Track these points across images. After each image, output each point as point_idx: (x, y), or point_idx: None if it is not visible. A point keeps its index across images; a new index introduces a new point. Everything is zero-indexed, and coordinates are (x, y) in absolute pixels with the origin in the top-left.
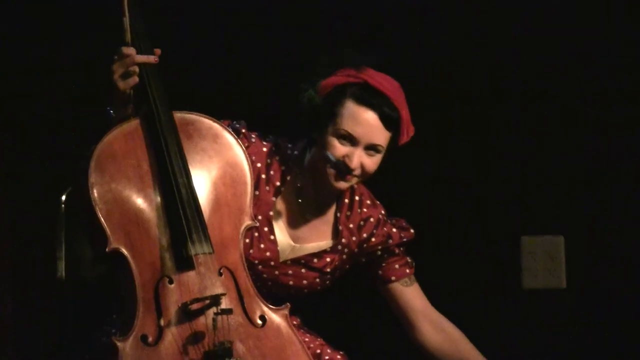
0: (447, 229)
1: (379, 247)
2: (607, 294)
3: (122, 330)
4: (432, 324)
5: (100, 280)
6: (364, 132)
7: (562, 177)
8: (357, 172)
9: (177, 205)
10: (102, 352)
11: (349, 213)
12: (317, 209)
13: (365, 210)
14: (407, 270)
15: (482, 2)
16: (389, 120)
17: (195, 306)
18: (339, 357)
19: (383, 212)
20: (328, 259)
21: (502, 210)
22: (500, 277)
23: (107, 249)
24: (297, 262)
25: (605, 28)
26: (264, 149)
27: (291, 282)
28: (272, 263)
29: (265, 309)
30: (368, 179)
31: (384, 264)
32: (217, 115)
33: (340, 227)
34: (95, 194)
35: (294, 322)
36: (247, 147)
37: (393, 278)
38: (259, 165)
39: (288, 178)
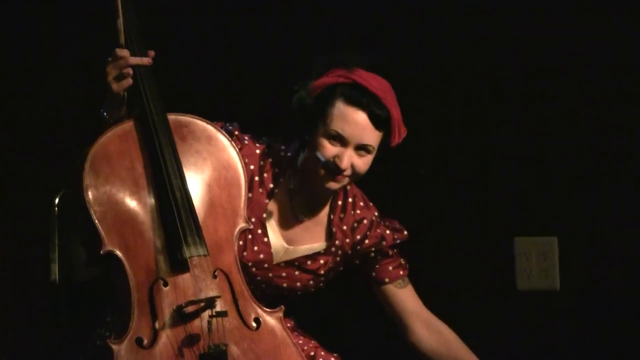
0: (441, 230)
1: (373, 249)
2: (601, 295)
3: (117, 333)
4: (425, 325)
5: (95, 282)
6: (353, 132)
7: (556, 178)
8: (348, 172)
9: (172, 207)
10: (97, 355)
11: (342, 215)
12: (310, 210)
13: (358, 211)
14: (401, 272)
15: (482, 2)
16: (379, 120)
17: (190, 309)
18: (332, 359)
19: (376, 213)
20: (322, 261)
21: (496, 211)
22: (494, 278)
23: (101, 251)
24: (290, 264)
25: (604, 28)
26: (257, 151)
27: (285, 284)
28: (266, 265)
29: (260, 311)
30: (360, 180)
31: (377, 266)
32: (211, 117)
33: (334, 229)
34: (90, 196)
35: (288, 325)
36: (240, 149)
37: (387, 280)
38: (252, 167)
39: (281, 180)
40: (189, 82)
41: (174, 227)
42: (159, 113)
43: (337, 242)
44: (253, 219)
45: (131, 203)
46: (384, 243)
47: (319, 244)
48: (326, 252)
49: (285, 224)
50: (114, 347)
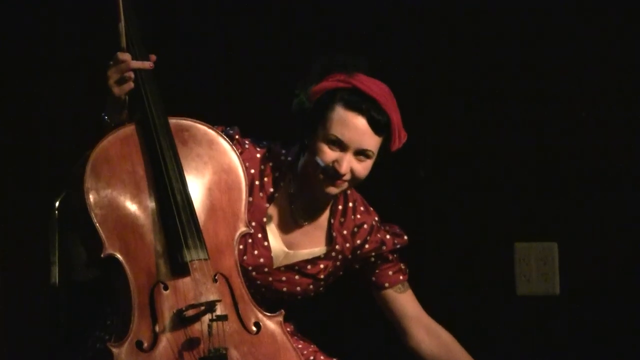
0: (441, 235)
1: (373, 254)
2: (601, 301)
3: (117, 336)
4: (425, 330)
5: (94, 285)
6: (352, 137)
7: (556, 184)
8: (347, 177)
9: (173, 210)
10: (96, 357)
11: (342, 219)
12: (311, 215)
13: (358, 216)
14: (401, 277)
15: (481, 2)
16: (378, 125)
17: (190, 312)
18: None
19: (377, 218)
20: (322, 266)
21: (496, 216)
22: (494, 283)
23: (102, 255)
24: (290, 268)
25: (604, 28)
26: (258, 155)
27: (285, 289)
28: (266, 269)
29: (260, 315)
30: (360, 185)
31: (377, 271)
32: (211, 121)
33: (334, 234)
34: (91, 199)
35: (288, 329)
36: (240, 153)
37: (386, 284)
38: (252, 171)
39: (281, 184)
40: (190, 86)
41: (174, 231)
42: (160, 117)
43: (337, 246)
44: (253, 223)
45: (132, 206)
46: (384, 248)
47: (319, 249)
48: (326, 256)
49: (286, 228)
50: (114, 350)
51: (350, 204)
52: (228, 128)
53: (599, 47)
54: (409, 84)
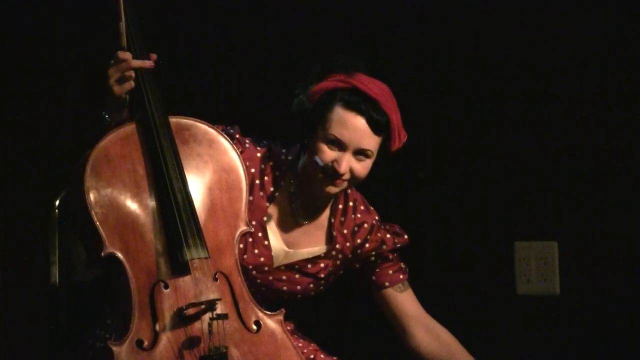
0: (441, 234)
1: (373, 253)
2: (601, 300)
3: (117, 335)
4: (425, 329)
5: (94, 284)
6: (352, 137)
7: (556, 183)
8: (346, 176)
9: (173, 209)
10: (97, 356)
11: (342, 219)
12: (311, 214)
13: (359, 216)
14: (401, 276)
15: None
16: (378, 125)
17: (190, 311)
18: None
19: (377, 217)
20: (322, 265)
21: (496, 216)
22: (494, 283)
23: (102, 254)
24: (291, 267)
25: (604, 28)
26: (258, 155)
27: (285, 288)
28: (266, 268)
29: (260, 314)
30: (360, 184)
31: (377, 270)
32: (212, 120)
33: (334, 233)
34: (91, 198)
35: (288, 328)
36: (241, 153)
37: (387, 284)
38: (253, 170)
39: (282, 183)
40: (191, 85)
41: (175, 230)
42: (161, 116)
43: (337, 245)
44: (254, 222)
45: (132, 205)
46: (384, 247)
47: (319, 248)
48: (326, 255)
49: (286, 228)
50: (115, 348)
51: (351, 203)
52: (228, 127)
53: (599, 47)
54: (409, 84)
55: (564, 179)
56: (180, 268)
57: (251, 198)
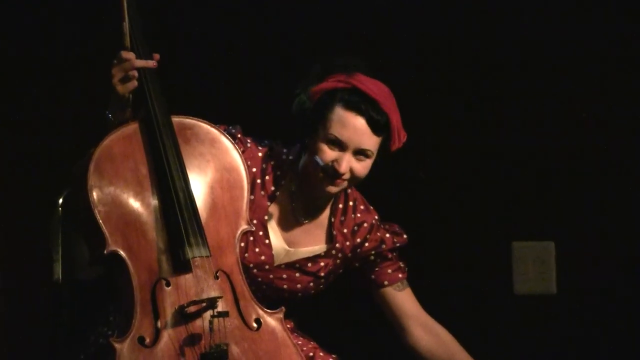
0: (440, 234)
1: (372, 252)
2: (598, 299)
3: (119, 332)
4: (423, 328)
5: (97, 282)
6: (352, 137)
7: (553, 184)
8: (346, 176)
9: (175, 208)
10: (99, 353)
11: (342, 218)
12: (311, 213)
13: (359, 215)
14: (400, 275)
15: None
16: (378, 125)
17: (192, 309)
18: (331, 359)
19: (376, 217)
20: (322, 264)
21: (494, 216)
22: (492, 282)
23: (105, 251)
24: (291, 266)
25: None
26: (259, 154)
27: (285, 286)
28: (267, 267)
29: (261, 312)
30: (360, 184)
31: (377, 269)
32: (214, 119)
33: (335, 232)
34: (94, 197)
35: (288, 326)
36: (242, 152)
37: (386, 282)
38: (254, 170)
39: (282, 183)
40: (193, 85)
41: (176, 228)
42: (163, 115)
43: (337, 244)
44: (255, 221)
45: (135, 204)
46: (383, 246)
47: (319, 247)
48: (326, 254)
49: (287, 226)
50: (117, 345)
51: (351, 203)
52: (230, 127)
53: (597, 47)
54: (409, 84)
55: (560, 179)
56: (181, 266)
57: (252, 197)
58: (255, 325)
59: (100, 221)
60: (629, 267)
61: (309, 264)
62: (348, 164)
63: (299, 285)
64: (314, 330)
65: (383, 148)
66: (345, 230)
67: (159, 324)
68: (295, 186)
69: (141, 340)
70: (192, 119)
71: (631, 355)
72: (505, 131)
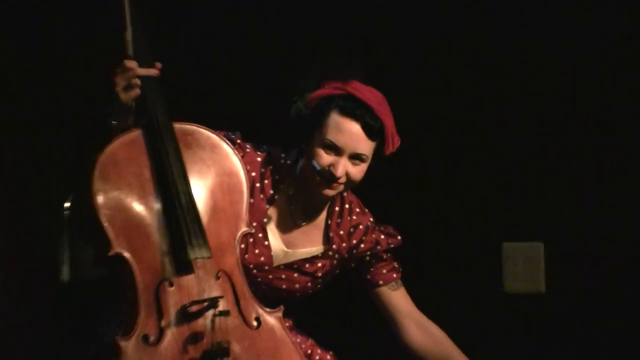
0: (433, 235)
1: (368, 253)
2: (585, 298)
3: (124, 331)
4: (417, 326)
5: (101, 283)
6: (347, 142)
7: (542, 187)
8: (342, 180)
9: (177, 211)
10: (104, 351)
11: (339, 220)
12: (309, 216)
13: (354, 217)
14: (394, 275)
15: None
16: (372, 130)
17: (194, 308)
18: (328, 357)
19: (371, 219)
20: (319, 264)
21: (485, 218)
22: (483, 282)
23: (109, 253)
24: (289, 266)
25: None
26: (258, 159)
27: (284, 286)
28: (266, 267)
29: (261, 311)
30: (355, 187)
31: (372, 269)
32: (214, 125)
33: (331, 234)
34: (99, 201)
35: (287, 324)
36: (242, 157)
37: (381, 282)
38: (253, 174)
39: (281, 186)
40: (194, 92)
41: (179, 231)
42: (165, 122)
43: (334, 246)
44: (254, 223)
45: (138, 207)
46: (378, 247)
47: (316, 248)
48: (324, 255)
49: (285, 228)
50: (122, 343)
51: (347, 206)
52: (230, 133)
53: (589, 46)
54: (401, 85)
55: (550, 183)
56: (184, 267)
57: (252, 200)
58: (255, 323)
59: (105, 224)
60: (615, 267)
61: (307, 265)
62: (344, 168)
63: (297, 285)
64: (311, 329)
65: (377, 152)
66: (341, 232)
67: (162, 323)
68: (293, 190)
69: (145, 338)
70: (193, 125)
71: (615, 350)
72: (498, 136)
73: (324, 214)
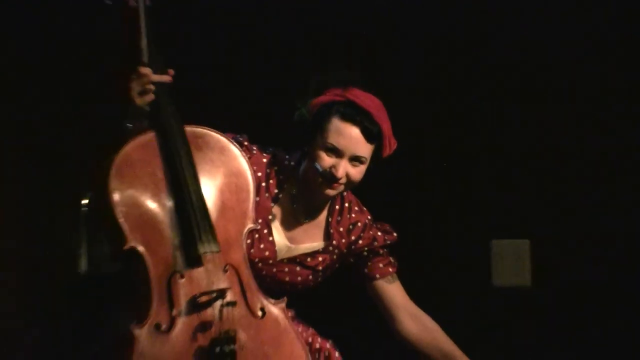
0: (427, 234)
1: (365, 248)
2: (569, 291)
3: (138, 320)
4: (411, 317)
5: (117, 275)
6: (347, 145)
7: (529, 188)
8: (343, 180)
9: (188, 209)
10: (120, 339)
11: (339, 218)
12: (311, 214)
13: (353, 215)
14: (390, 269)
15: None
16: (370, 134)
17: (203, 299)
18: (328, 345)
19: (369, 217)
20: (320, 259)
21: (475, 217)
22: (473, 276)
23: (124, 247)
24: (292, 260)
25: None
26: (264, 160)
27: (287, 279)
28: (271, 261)
29: (265, 302)
30: (355, 187)
31: (369, 263)
32: (223, 129)
33: (331, 231)
34: (115, 198)
35: (290, 314)
36: (249, 158)
37: (377, 276)
38: (259, 174)
39: (285, 186)
40: (204, 97)
41: (189, 227)
42: (177, 125)
43: (334, 242)
44: (260, 220)
45: (152, 204)
46: (375, 243)
47: (318, 244)
48: (324, 250)
49: (288, 225)
50: (136, 331)
51: (346, 205)
52: (238, 135)
53: (575, 44)
54: (390, 86)
55: (536, 184)
56: (194, 260)
57: (258, 199)
58: (260, 313)
59: (121, 220)
60: (596, 262)
61: (308, 259)
62: (344, 169)
63: (299, 278)
64: (312, 318)
65: (375, 155)
66: (341, 229)
67: (173, 312)
68: (296, 189)
69: (158, 326)
70: (203, 128)
71: (595, 339)
72: (493, 140)
73: (324, 212)
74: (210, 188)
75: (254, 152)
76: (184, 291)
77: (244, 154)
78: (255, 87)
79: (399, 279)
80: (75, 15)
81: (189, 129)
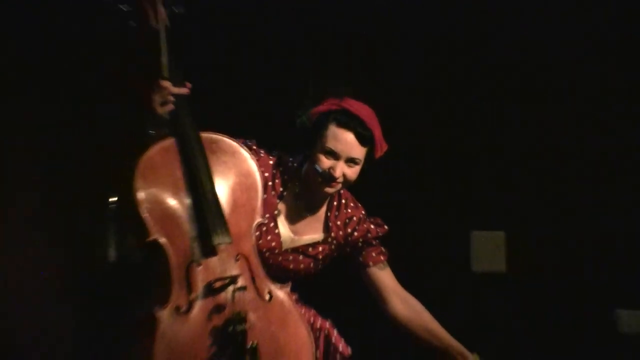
0: (413, 226)
1: (360, 239)
2: (539, 277)
3: (160, 303)
4: (400, 300)
5: (142, 264)
6: (344, 149)
7: (506, 185)
8: (340, 180)
9: (204, 205)
10: (144, 320)
11: (337, 213)
12: (311, 209)
13: (349, 210)
14: (382, 258)
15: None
16: (364, 138)
17: (217, 284)
18: (327, 324)
19: (363, 212)
20: (320, 249)
21: (456, 210)
22: (455, 263)
23: (148, 239)
24: (295, 250)
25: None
26: (271, 162)
27: (291, 267)
28: (276, 251)
29: (272, 287)
30: (351, 186)
31: (363, 253)
32: (234, 134)
33: (330, 224)
34: (139, 196)
35: (293, 297)
36: (257, 160)
37: (370, 263)
38: (266, 174)
39: (289, 185)
40: (217, 107)
41: (205, 221)
42: (194, 132)
43: (332, 234)
44: (267, 215)
45: (172, 202)
46: (369, 235)
47: (318, 235)
48: (324, 241)
49: (292, 219)
50: (158, 313)
51: (343, 201)
52: (247, 140)
53: (540, 41)
54: (390, 86)
55: (512, 179)
56: (209, 251)
57: (265, 196)
58: (267, 297)
59: (145, 215)
60: (564, 251)
61: (310, 249)
62: (341, 170)
63: (301, 266)
64: (313, 301)
65: (369, 156)
66: (338, 223)
67: (191, 296)
68: (299, 188)
69: (177, 309)
70: (217, 134)
71: (565, 319)
72: (489, 137)
73: (324, 208)
74: (223, 187)
75: (262, 154)
76: (200, 278)
77: (253, 157)
78: (255, 87)
79: (389, 266)
80: (75, 15)
81: (204, 135)
